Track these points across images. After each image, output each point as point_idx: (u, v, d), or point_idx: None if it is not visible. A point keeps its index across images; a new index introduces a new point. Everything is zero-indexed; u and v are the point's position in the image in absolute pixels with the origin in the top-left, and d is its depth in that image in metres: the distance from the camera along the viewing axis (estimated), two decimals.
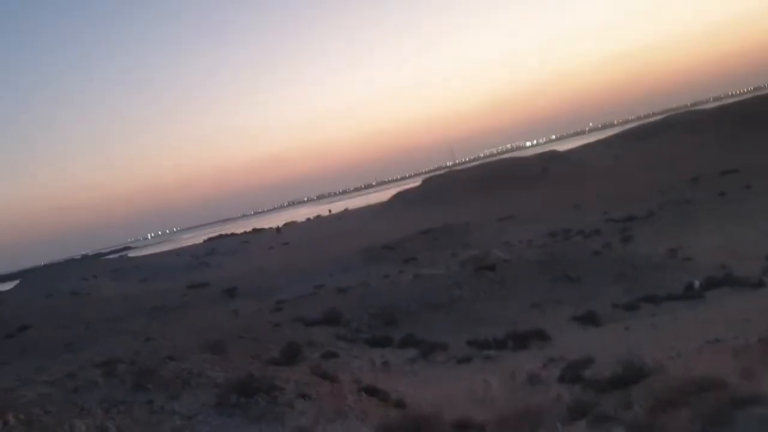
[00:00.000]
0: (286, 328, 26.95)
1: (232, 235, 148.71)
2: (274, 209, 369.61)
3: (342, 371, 20.50)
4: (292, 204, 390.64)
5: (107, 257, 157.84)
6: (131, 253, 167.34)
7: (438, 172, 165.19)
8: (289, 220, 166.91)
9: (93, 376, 16.73)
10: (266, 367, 17.90)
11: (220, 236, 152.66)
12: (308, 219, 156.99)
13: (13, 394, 14.49)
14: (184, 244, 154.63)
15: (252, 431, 11.17)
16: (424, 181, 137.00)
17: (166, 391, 14.04)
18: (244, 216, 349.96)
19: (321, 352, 23.97)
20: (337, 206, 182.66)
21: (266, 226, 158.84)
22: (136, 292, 59.98)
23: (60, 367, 18.14)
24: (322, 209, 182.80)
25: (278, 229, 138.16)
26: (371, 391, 17.07)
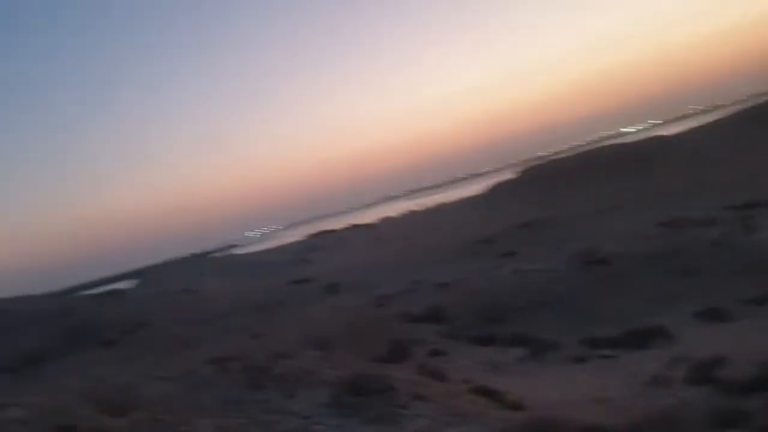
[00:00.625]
0: (390, 325, 26.85)
1: (331, 231, 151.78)
2: (369, 205, 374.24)
3: (450, 370, 20.08)
4: (388, 198, 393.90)
5: (214, 255, 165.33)
6: (235, 251, 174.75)
7: (536, 162, 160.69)
8: (384, 215, 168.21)
9: (208, 374, 17.20)
10: (374, 366, 17.77)
11: (320, 233, 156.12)
12: (404, 213, 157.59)
13: (136, 391, 15.04)
14: (285, 242, 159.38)
15: None
16: (522, 172, 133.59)
17: (281, 390, 14.13)
18: (342, 212, 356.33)
19: (427, 350, 23.66)
20: (432, 200, 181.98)
21: (363, 221, 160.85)
22: (242, 289, 62.20)
23: (177, 364, 18.76)
24: (417, 203, 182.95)
25: (374, 224, 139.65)
26: (485, 392, 16.54)
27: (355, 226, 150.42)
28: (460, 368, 21.44)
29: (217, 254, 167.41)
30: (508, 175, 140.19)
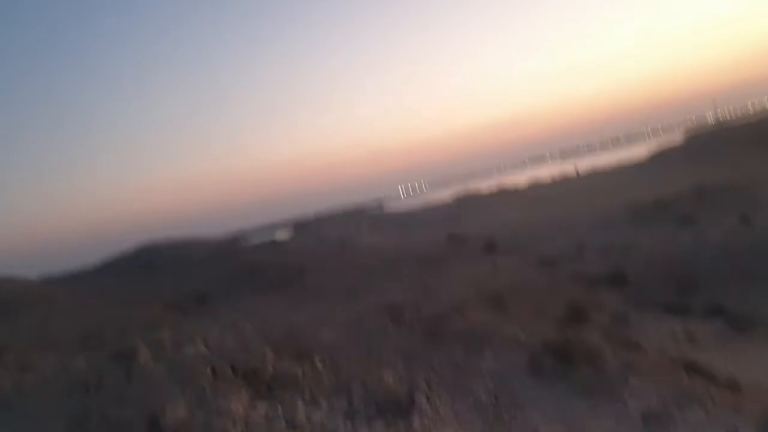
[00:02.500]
0: (564, 287, 24.72)
1: (481, 191, 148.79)
2: (516, 166, 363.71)
3: (642, 340, 17.79)
4: (536, 160, 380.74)
5: (366, 210, 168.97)
6: (387, 207, 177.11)
7: (702, 127, 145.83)
8: (533, 177, 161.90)
9: (381, 323, 16.35)
10: (561, 330, 15.95)
11: (469, 192, 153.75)
12: (554, 177, 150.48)
13: (312, 335, 14.45)
14: (436, 199, 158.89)
15: (582, 405, 9.29)
16: (688, 138, 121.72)
17: (464, 346, 12.81)
18: (491, 172, 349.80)
19: (608, 316, 21.41)
20: (584, 163, 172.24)
21: (511, 182, 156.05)
22: (397, 243, 62.14)
23: (347, 312, 18.16)
24: (567, 167, 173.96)
25: (526, 184, 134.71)
26: (695, 368, 14.17)
27: (503, 188, 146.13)
28: (651, 339, 19.02)
29: (369, 209, 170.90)
30: (669, 139, 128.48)
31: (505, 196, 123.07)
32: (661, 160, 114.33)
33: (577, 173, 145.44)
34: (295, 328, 14.97)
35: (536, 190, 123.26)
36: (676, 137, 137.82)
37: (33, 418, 8.45)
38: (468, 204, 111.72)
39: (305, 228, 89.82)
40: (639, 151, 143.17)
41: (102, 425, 7.83)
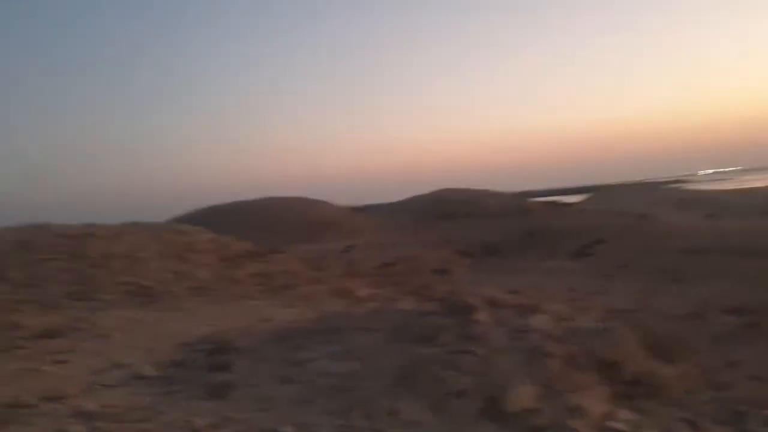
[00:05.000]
0: None
1: None
2: None
3: None
4: None
5: (665, 186, 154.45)
6: (687, 186, 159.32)
7: None
8: None
9: (726, 323, 13.41)
10: None
11: None
12: None
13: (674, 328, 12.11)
14: (749, 185, 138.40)
15: None
16: None
17: None
18: None
19: None
20: None
21: None
22: (704, 227, 54.66)
23: (682, 300, 15.40)
24: None
25: None
26: None
27: None
28: None
29: (669, 186, 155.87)
30: None
31: None
32: None
33: None
34: (627, 311, 12.87)
35: None
36: None
37: (363, 355, 8.02)
38: None
39: (601, 196, 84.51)
40: None
41: (432, 386, 6.92)
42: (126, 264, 17.18)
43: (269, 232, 36.26)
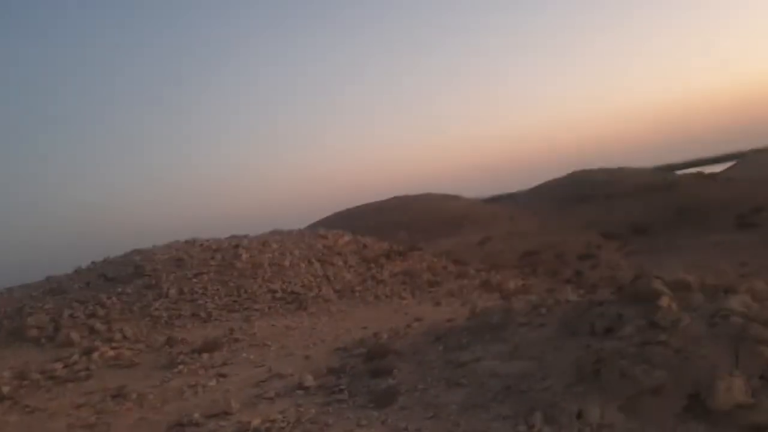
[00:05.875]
0: None
1: None
2: None
3: None
4: None
5: None
6: None
7: None
8: None
9: None
10: None
11: None
12: None
13: None
14: None
15: None
16: None
17: None
18: None
19: None
20: None
21: None
22: None
23: None
24: None
25: None
26: None
27: None
28: None
29: None
30: None
31: None
32: None
33: None
34: None
35: None
36: None
37: (534, 352, 7.33)
38: None
39: (746, 163, 77.02)
40: None
41: (621, 384, 6.07)
42: (274, 271, 17.55)
43: (403, 230, 36.23)
